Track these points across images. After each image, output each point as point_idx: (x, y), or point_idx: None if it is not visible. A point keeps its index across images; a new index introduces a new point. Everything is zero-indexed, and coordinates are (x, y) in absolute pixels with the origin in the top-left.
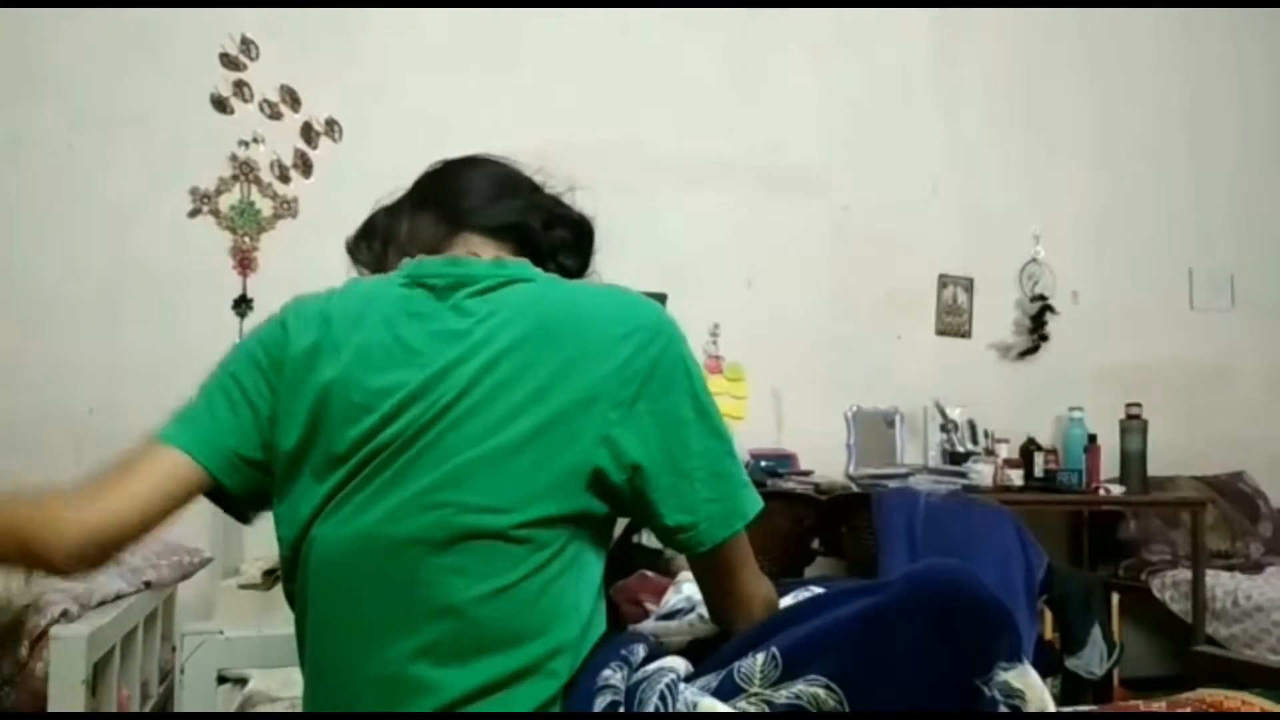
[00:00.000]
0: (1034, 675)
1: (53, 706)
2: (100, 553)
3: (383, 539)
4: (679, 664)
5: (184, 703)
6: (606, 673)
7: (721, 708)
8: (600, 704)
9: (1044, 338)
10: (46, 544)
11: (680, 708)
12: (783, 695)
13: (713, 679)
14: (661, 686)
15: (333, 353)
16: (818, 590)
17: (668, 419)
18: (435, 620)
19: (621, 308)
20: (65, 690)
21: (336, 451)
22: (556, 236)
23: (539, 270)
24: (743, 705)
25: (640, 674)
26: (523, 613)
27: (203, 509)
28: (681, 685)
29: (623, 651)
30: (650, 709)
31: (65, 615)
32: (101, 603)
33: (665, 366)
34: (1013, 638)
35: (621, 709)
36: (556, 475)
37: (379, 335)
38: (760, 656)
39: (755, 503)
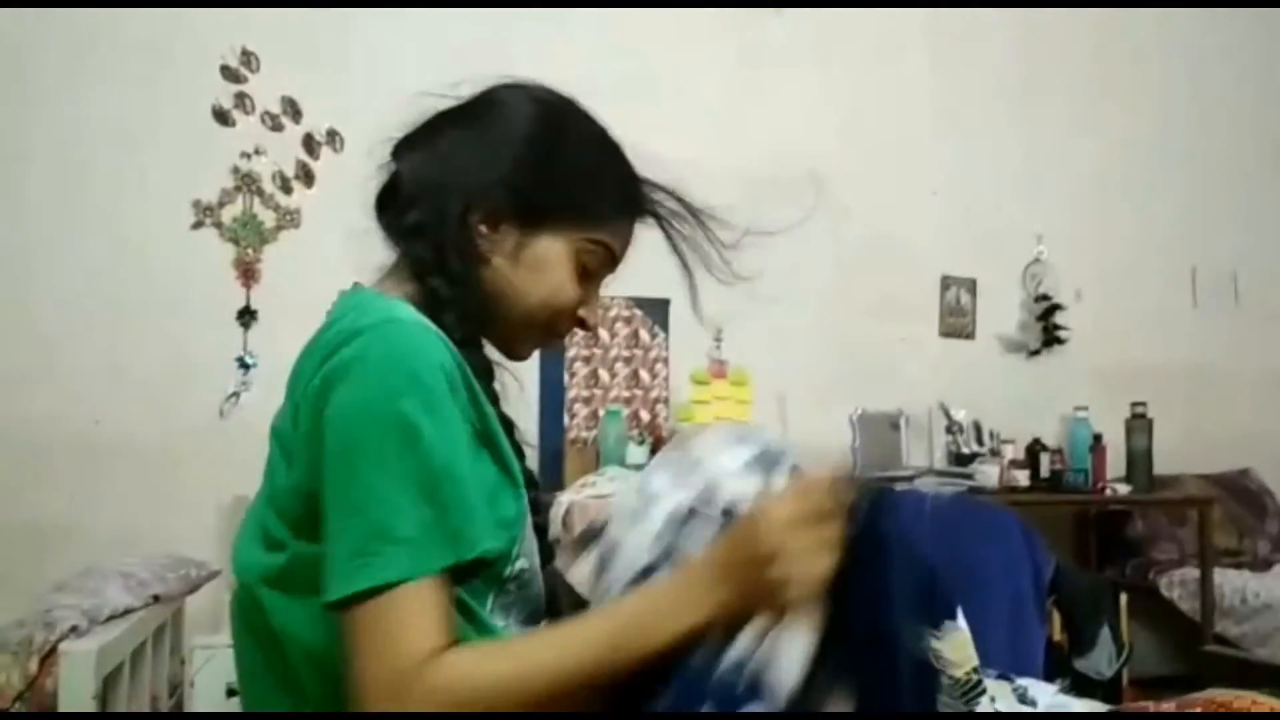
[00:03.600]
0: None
1: None
2: None
3: None
4: None
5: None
6: None
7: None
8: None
9: (1059, 340)
10: None
11: None
12: None
13: None
14: None
15: None
16: None
17: None
18: None
19: None
20: (75, 705)
21: None
22: None
23: None
24: None
25: None
26: None
27: (208, 520)
28: None
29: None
30: None
31: (75, 630)
32: (110, 617)
33: None
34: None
35: None
36: None
37: None
38: None
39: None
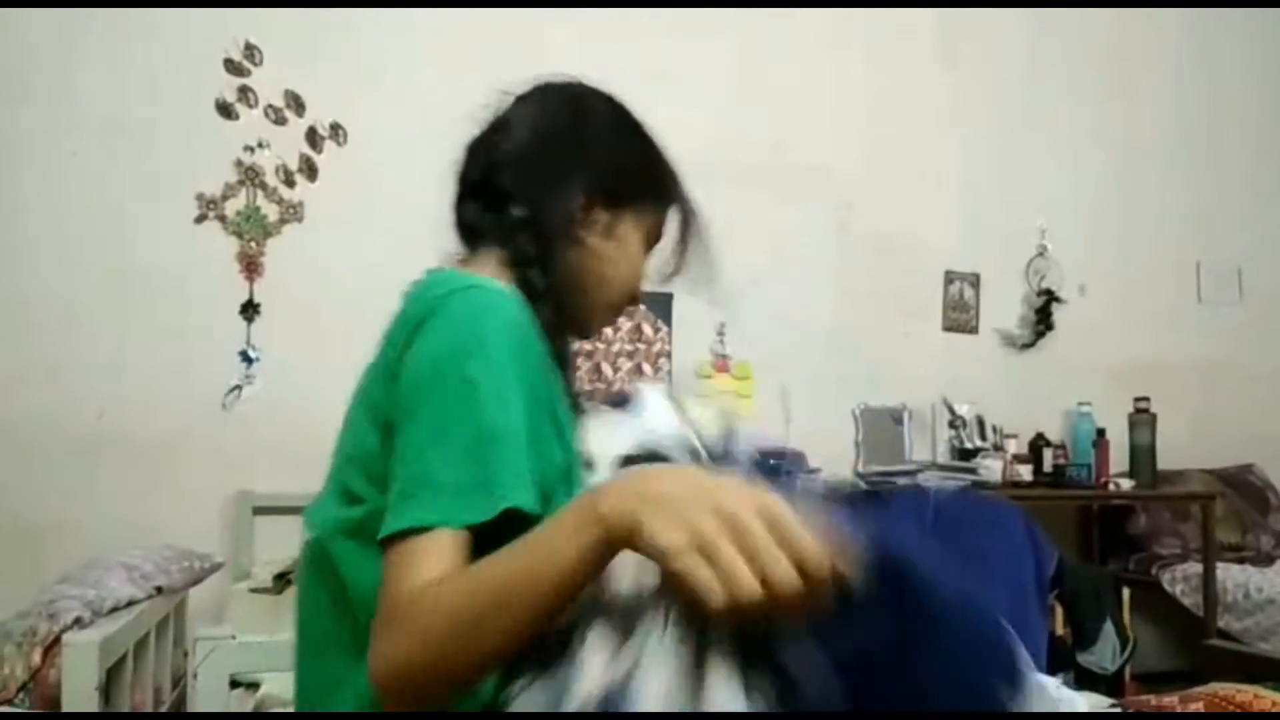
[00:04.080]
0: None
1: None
2: None
3: None
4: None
5: (197, 708)
6: None
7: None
8: None
9: (1049, 327)
10: None
11: None
12: None
13: None
14: None
15: None
16: None
17: None
18: None
19: None
20: (78, 697)
21: None
22: None
23: None
24: None
25: None
26: None
27: (212, 514)
28: None
29: None
30: None
31: (78, 622)
32: (114, 609)
33: None
34: None
35: None
36: None
37: None
38: None
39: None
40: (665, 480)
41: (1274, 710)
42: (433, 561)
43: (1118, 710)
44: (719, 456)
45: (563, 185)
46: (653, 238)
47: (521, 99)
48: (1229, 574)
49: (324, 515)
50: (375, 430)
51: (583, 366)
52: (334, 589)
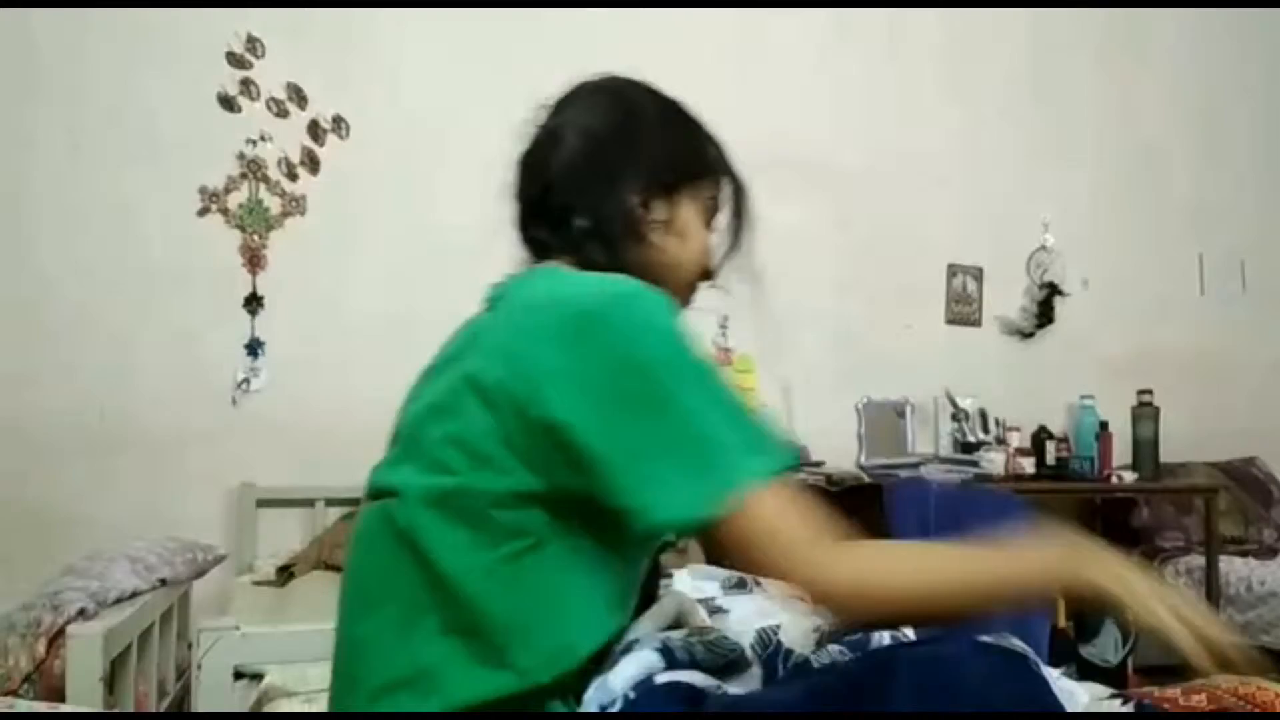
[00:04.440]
0: None
1: (71, 704)
2: None
3: None
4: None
5: (201, 699)
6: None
7: None
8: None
9: (1051, 320)
10: None
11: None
12: None
13: None
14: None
15: None
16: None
17: None
18: None
19: None
20: (83, 688)
21: None
22: None
23: None
24: None
25: None
26: None
27: (215, 505)
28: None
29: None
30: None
31: (82, 614)
32: (118, 600)
33: None
34: None
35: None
36: None
37: None
38: None
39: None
40: (1128, 567)
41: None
42: (796, 499)
43: (1120, 699)
44: None
45: (618, 189)
46: (711, 212)
47: (564, 104)
48: (1231, 567)
49: (406, 482)
50: (489, 411)
51: None
52: (399, 548)
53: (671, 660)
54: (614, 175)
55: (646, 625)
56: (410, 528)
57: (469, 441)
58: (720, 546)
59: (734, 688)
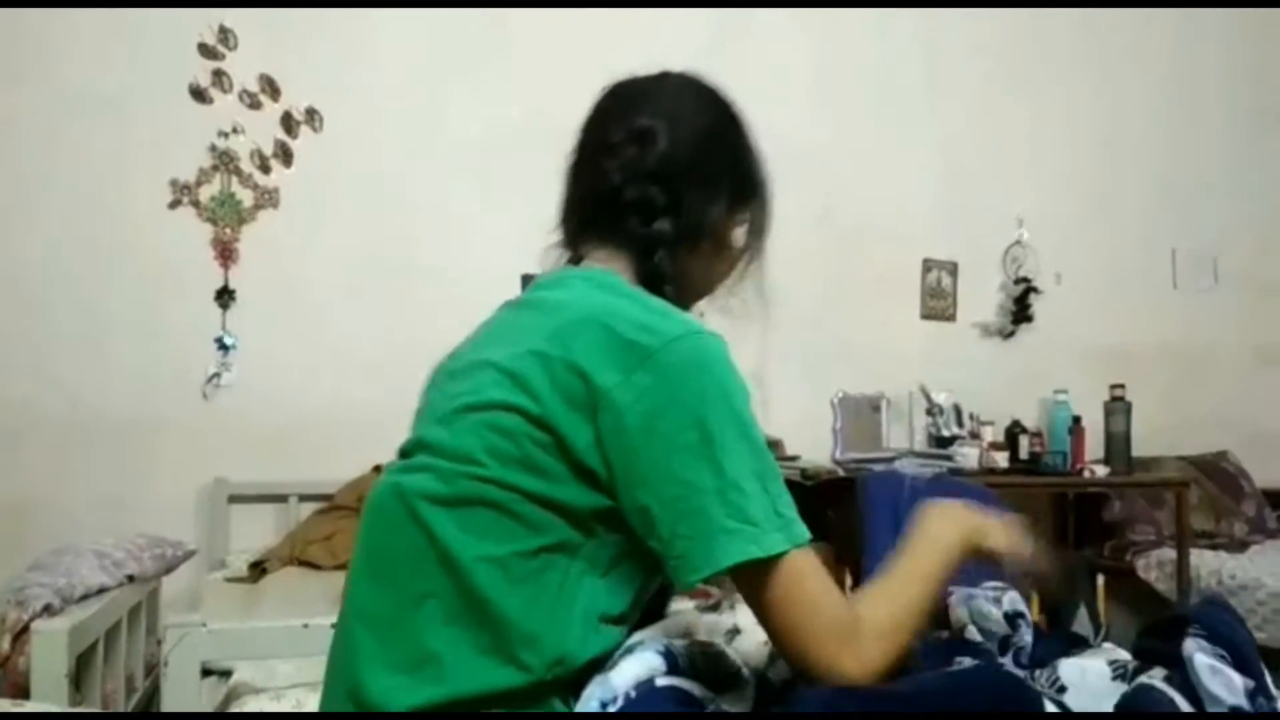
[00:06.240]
0: None
1: (35, 701)
2: None
3: None
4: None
5: (168, 696)
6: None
7: None
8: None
9: (1028, 318)
10: None
11: None
12: None
13: None
14: None
15: None
16: None
17: None
18: None
19: None
20: (47, 685)
21: None
22: None
23: None
24: None
25: None
26: None
27: (186, 501)
28: None
29: None
30: None
31: (48, 609)
32: (84, 596)
33: None
34: None
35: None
36: None
37: None
38: None
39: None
40: (975, 513)
41: None
42: (824, 571)
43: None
44: None
45: (716, 198)
46: (756, 232)
47: (642, 98)
48: (1202, 560)
49: (420, 485)
50: (530, 401)
51: None
52: (413, 526)
53: (673, 665)
54: (714, 181)
55: (653, 633)
56: (424, 520)
57: (515, 435)
58: (745, 594)
59: (728, 705)
